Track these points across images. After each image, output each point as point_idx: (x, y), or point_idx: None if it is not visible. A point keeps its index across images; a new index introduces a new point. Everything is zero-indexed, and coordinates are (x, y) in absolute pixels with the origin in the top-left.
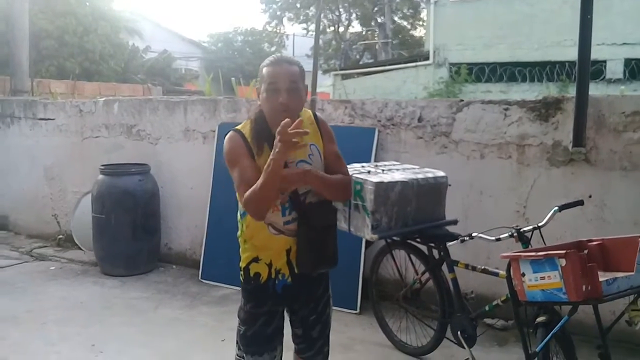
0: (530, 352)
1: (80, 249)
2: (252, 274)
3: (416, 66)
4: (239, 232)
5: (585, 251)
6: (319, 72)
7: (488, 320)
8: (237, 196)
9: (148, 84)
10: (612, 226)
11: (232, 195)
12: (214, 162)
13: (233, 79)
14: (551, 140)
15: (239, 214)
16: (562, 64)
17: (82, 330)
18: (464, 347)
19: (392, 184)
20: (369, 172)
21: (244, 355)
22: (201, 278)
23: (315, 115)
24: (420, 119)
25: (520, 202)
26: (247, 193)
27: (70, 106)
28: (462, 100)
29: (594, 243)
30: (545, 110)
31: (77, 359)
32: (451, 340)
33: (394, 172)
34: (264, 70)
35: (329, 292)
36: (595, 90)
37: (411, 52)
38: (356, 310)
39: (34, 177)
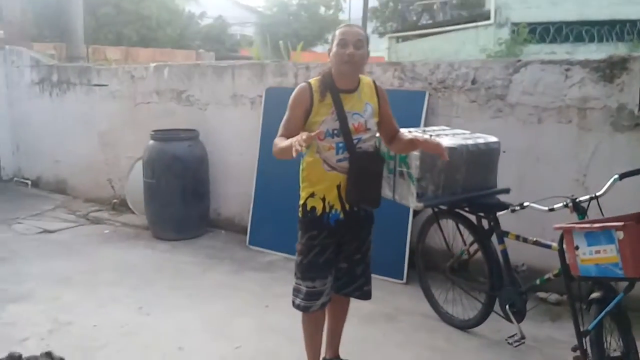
0: (582, 329)
1: (134, 212)
2: (309, 208)
3: (476, 27)
4: (300, 171)
5: None
6: (375, 36)
7: (541, 294)
8: None
9: (199, 50)
10: None
11: (279, 162)
12: (262, 127)
13: (281, 42)
14: (615, 103)
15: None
16: (633, 22)
17: (132, 292)
18: (512, 322)
19: None
20: None
21: (301, 282)
22: (248, 244)
23: (374, 82)
24: (474, 81)
25: (580, 170)
26: (276, 139)
27: (122, 72)
28: (520, 61)
29: None
30: (610, 70)
31: (123, 321)
32: (499, 315)
33: (443, 138)
34: (337, 31)
35: (370, 237)
36: None
37: (471, 12)
38: (403, 280)
39: (90, 143)
